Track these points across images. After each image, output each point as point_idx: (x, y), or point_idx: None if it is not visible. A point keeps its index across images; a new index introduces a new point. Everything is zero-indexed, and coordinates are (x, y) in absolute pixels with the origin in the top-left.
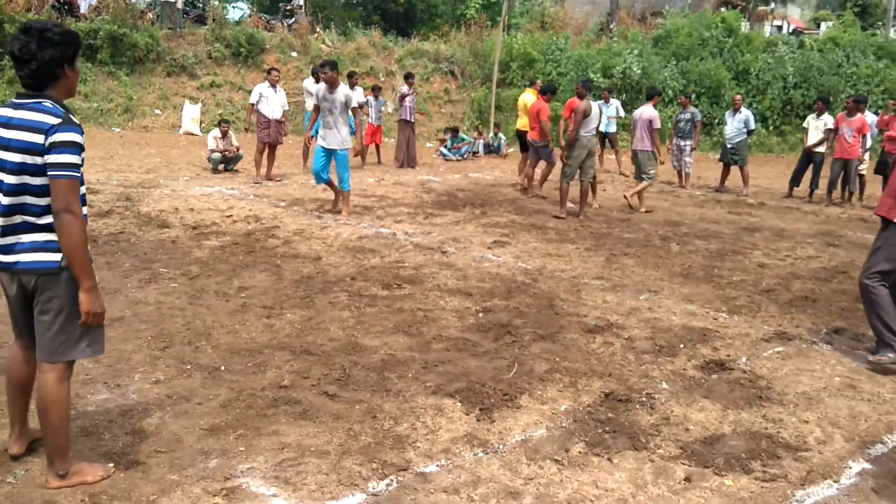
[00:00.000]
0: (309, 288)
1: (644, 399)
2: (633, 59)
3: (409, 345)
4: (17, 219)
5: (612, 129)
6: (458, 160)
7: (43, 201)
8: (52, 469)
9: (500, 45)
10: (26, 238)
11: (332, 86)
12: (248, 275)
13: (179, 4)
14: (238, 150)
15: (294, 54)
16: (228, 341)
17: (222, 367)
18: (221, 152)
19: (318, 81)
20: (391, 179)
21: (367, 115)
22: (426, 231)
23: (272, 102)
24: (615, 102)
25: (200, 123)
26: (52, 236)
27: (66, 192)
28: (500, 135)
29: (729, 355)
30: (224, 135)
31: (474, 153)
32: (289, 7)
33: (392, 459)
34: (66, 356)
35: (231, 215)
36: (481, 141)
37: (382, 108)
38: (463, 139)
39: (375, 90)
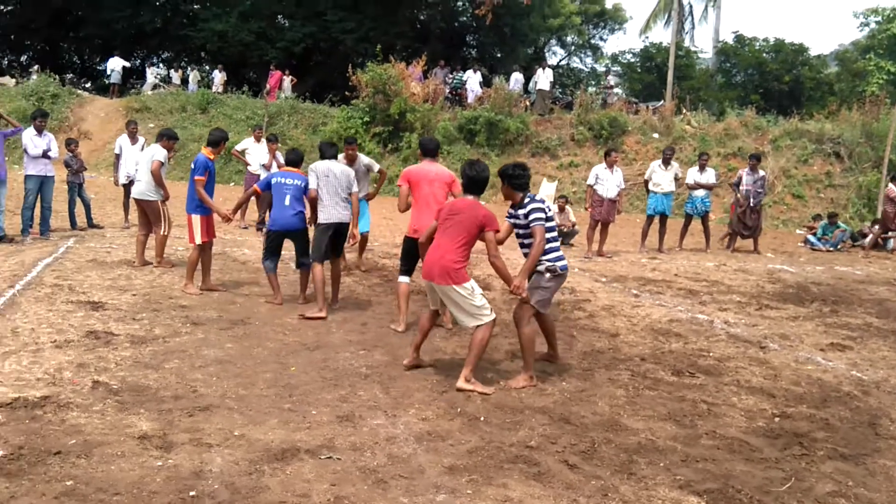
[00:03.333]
0: (594, 362)
1: None
2: None
3: (674, 434)
4: None
5: None
6: (827, 251)
7: None
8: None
9: (895, 123)
10: None
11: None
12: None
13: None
14: (574, 226)
15: (655, 136)
16: (498, 397)
17: (482, 418)
18: (559, 226)
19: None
20: (734, 265)
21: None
22: (752, 323)
23: (608, 183)
24: None
25: (555, 200)
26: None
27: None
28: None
29: None
30: (561, 210)
31: (854, 244)
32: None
33: None
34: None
35: None
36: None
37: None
38: (838, 227)
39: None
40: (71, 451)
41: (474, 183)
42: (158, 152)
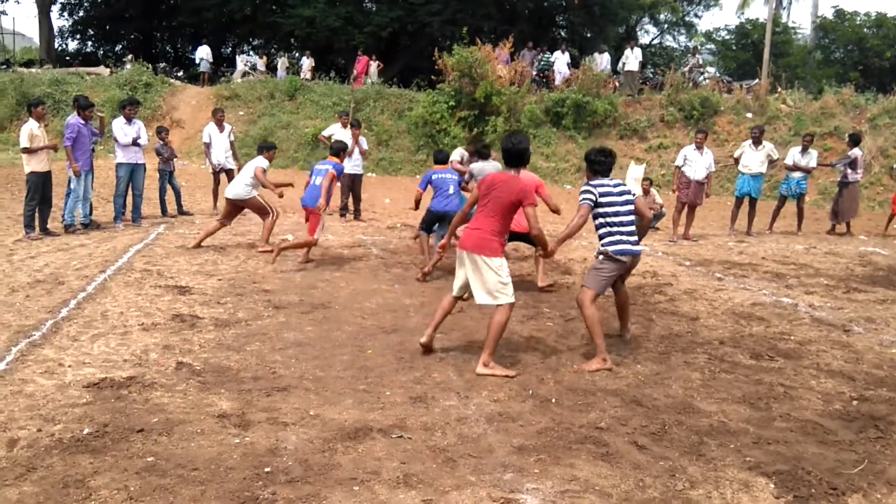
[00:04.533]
0: (672, 345)
1: None
2: None
3: (748, 417)
4: None
5: None
6: None
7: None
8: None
9: None
10: None
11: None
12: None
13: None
14: (661, 208)
15: (749, 115)
16: (571, 379)
17: (553, 400)
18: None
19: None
20: (824, 248)
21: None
22: (838, 306)
23: (697, 164)
24: None
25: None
26: None
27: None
28: None
29: None
30: (646, 192)
31: None
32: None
33: None
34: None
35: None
36: None
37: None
38: None
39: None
40: (153, 428)
41: (511, 155)
42: (261, 161)
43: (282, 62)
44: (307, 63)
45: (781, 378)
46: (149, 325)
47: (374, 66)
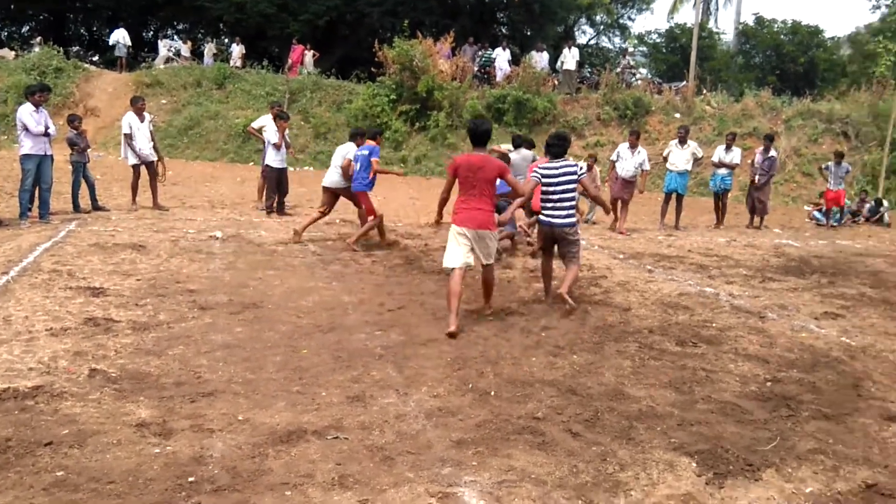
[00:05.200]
0: (605, 335)
1: None
2: None
3: (673, 400)
4: None
5: None
6: (831, 226)
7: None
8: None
9: None
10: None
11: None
12: (555, 317)
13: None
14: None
15: (677, 115)
16: (510, 372)
17: (492, 393)
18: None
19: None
20: (743, 241)
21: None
22: (754, 295)
23: (626, 163)
24: None
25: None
26: None
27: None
28: (885, 202)
29: None
30: (590, 169)
31: (854, 220)
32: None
33: (599, 501)
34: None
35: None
36: (867, 206)
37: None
38: (846, 204)
39: (838, 156)
40: (63, 441)
41: (476, 136)
42: (352, 150)
43: (209, 48)
44: (237, 50)
45: (704, 363)
46: (58, 330)
47: (309, 55)
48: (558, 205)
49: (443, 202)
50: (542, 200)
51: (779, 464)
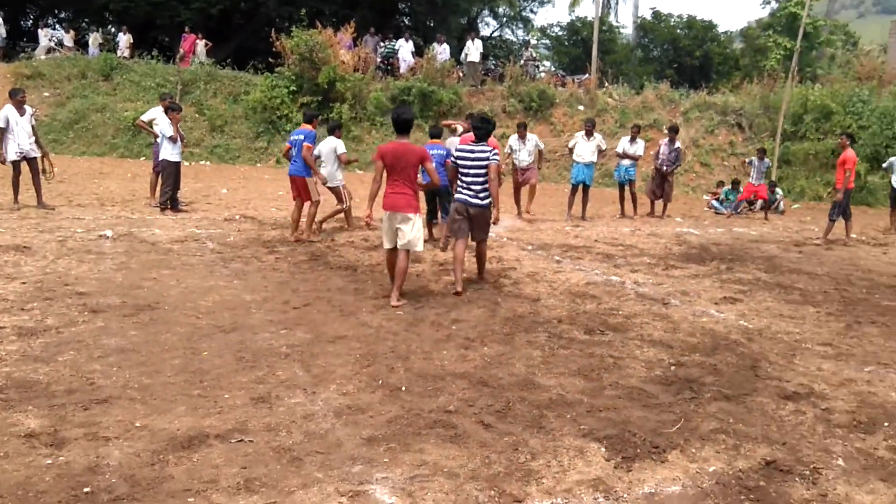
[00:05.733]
0: (516, 326)
1: (808, 473)
2: None
3: (582, 388)
4: None
5: None
6: (729, 214)
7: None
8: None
9: (787, 95)
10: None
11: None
12: (466, 309)
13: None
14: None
15: (581, 108)
16: (421, 366)
17: (403, 388)
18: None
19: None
20: (647, 230)
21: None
22: (658, 282)
23: (520, 154)
24: None
25: None
26: None
27: None
28: (778, 190)
29: None
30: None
31: (750, 208)
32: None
33: (512, 490)
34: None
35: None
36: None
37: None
38: (740, 192)
39: (761, 152)
40: None
41: (399, 124)
42: (340, 144)
43: (94, 38)
44: (125, 40)
45: (611, 350)
46: None
47: (201, 45)
48: (471, 186)
49: (373, 194)
50: (459, 180)
51: (683, 445)
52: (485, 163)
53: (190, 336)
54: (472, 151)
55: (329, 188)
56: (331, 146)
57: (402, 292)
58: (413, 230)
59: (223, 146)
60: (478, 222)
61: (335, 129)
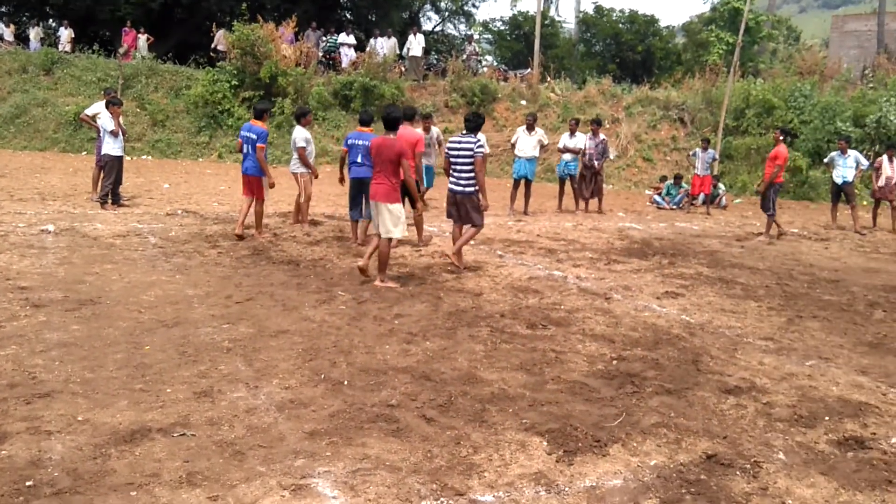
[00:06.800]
0: (458, 321)
1: (749, 466)
2: (891, 107)
3: (524, 382)
4: None
5: (850, 178)
6: (671, 209)
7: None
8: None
9: (729, 90)
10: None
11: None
12: (409, 304)
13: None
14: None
15: (523, 102)
16: (363, 360)
17: (346, 382)
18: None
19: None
20: (589, 225)
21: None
22: (600, 277)
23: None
24: (853, 153)
25: None
26: None
27: None
28: (721, 185)
29: (875, 434)
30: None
31: (692, 203)
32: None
33: (453, 484)
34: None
35: (421, 251)
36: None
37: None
38: (682, 187)
39: (705, 142)
40: None
41: (387, 121)
42: (300, 136)
43: (35, 32)
44: (66, 34)
45: (553, 344)
46: None
47: (142, 39)
48: (457, 174)
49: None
50: (450, 168)
51: (625, 439)
52: (470, 153)
53: (132, 330)
54: (461, 143)
55: (293, 173)
56: (293, 136)
57: (369, 276)
58: (390, 219)
59: (165, 141)
60: (463, 208)
61: (301, 118)
